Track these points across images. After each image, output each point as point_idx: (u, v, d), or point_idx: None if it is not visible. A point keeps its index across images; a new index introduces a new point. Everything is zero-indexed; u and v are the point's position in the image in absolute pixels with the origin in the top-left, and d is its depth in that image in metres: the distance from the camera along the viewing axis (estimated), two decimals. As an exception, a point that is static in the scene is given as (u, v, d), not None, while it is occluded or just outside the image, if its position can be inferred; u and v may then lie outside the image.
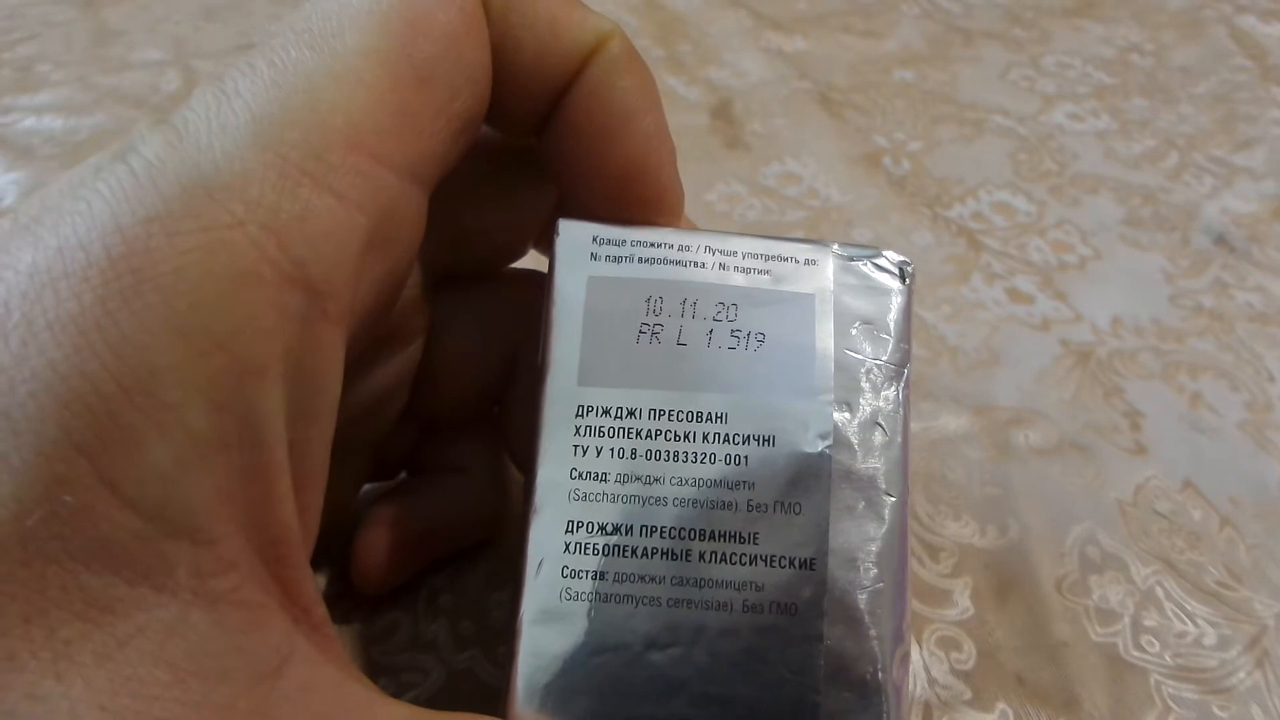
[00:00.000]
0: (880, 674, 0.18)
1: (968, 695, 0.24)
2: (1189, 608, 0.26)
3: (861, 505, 0.19)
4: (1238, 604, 0.26)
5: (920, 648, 0.25)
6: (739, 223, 0.39)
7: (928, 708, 0.24)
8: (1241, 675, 0.25)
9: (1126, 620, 0.26)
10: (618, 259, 0.20)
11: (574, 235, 0.20)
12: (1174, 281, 0.37)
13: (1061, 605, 0.26)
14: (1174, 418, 0.32)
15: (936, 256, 0.38)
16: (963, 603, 0.26)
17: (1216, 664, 0.25)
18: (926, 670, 0.25)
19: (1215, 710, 0.24)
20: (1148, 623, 0.26)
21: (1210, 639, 0.26)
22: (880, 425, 0.19)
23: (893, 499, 0.19)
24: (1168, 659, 0.25)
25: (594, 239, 0.20)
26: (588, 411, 0.19)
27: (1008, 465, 0.30)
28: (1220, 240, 0.39)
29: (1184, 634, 0.26)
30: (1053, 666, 0.25)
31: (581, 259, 0.20)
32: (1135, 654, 0.25)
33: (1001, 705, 0.24)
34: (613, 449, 0.19)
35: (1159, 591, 0.27)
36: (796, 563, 0.18)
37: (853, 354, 0.19)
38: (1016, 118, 0.46)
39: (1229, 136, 0.45)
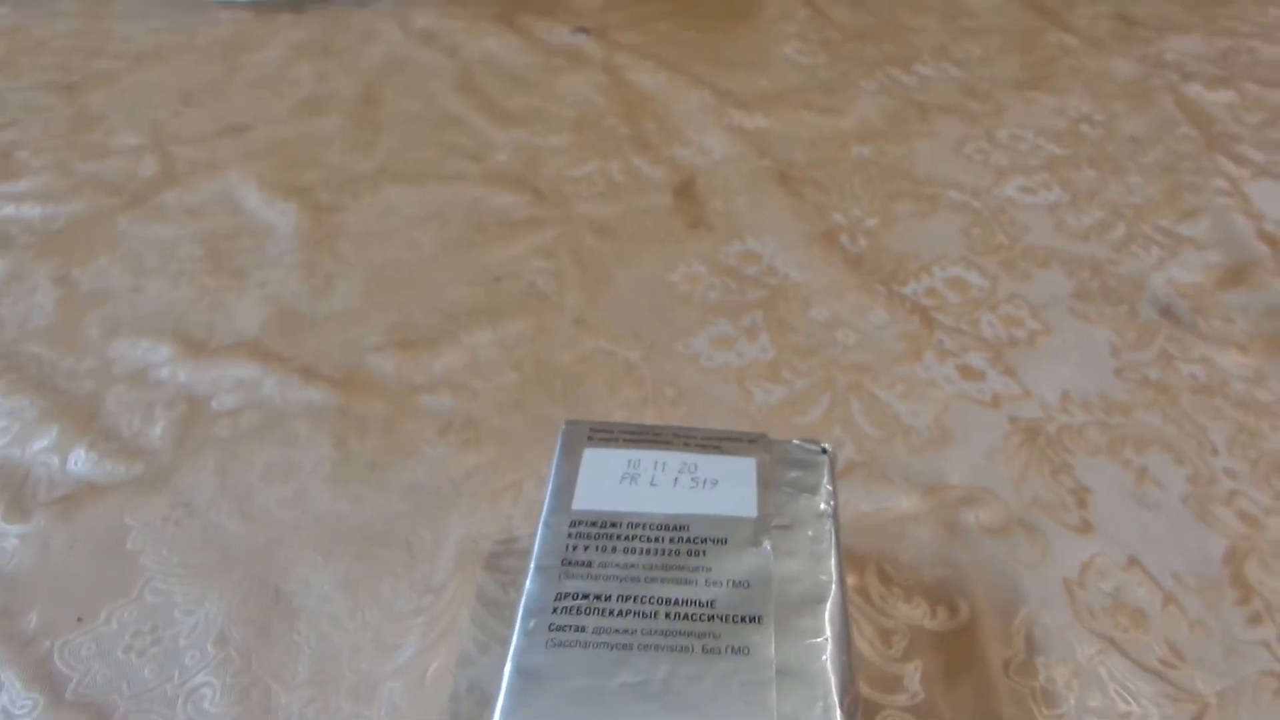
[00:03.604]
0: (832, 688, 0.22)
1: (917, 782, 0.25)
2: (1132, 687, 0.27)
3: (803, 584, 0.23)
4: (1180, 682, 0.27)
5: (871, 734, 0.26)
6: (699, 303, 0.40)
7: (877, 796, 0.24)
8: (1183, 755, 0.25)
9: (1072, 702, 0.27)
10: (607, 441, 0.27)
11: (575, 429, 0.27)
12: (1120, 355, 0.38)
13: (1009, 687, 0.27)
14: (1120, 493, 0.32)
15: (891, 334, 0.39)
16: (913, 687, 0.27)
17: (1159, 745, 0.26)
18: (877, 757, 0.25)
19: (1158, 792, 0.25)
20: (1092, 703, 0.27)
21: (1154, 718, 0.26)
22: (811, 532, 0.25)
23: (826, 578, 0.23)
24: (1112, 740, 0.26)
25: (590, 431, 0.27)
26: (579, 523, 0.25)
27: (957, 545, 0.31)
28: (1166, 311, 0.40)
29: (1128, 714, 0.26)
30: (1000, 750, 0.25)
31: (580, 442, 0.27)
32: (1080, 736, 0.26)
33: (949, 792, 0.25)
34: (598, 546, 0.24)
35: (1103, 671, 0.27)
36: (748, 619, 0.23)
37: (788, 490, 0.26)
38: (970, 191, 0.47)
39: (1174, 206, 0.47)
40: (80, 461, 0.34)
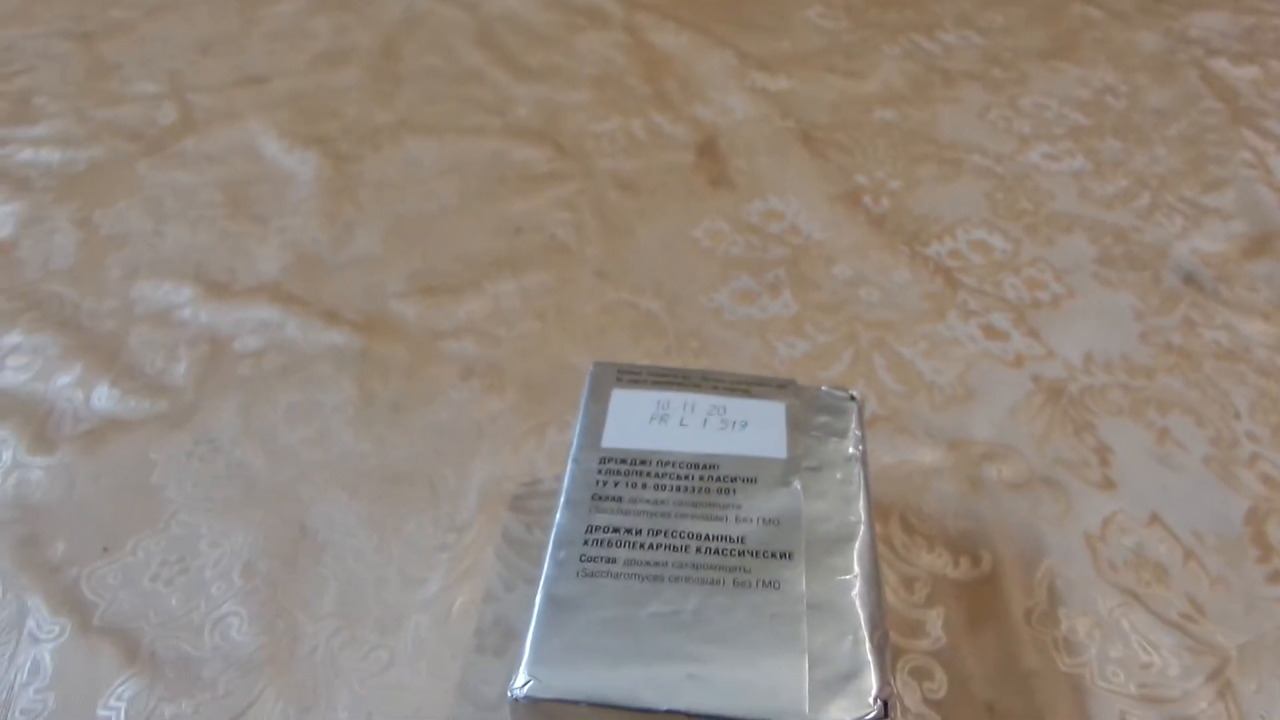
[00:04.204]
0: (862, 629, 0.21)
1: (939, 724, 0.25)
2: (1154, 639, 0.27)
3: (833, 523, 0.23)
4: (1201, 635, 0.27)
5: (894, 677, 0.26)
6: (722, 259, 0.40)
7: (900, 736, 0.25)
8: (1204, 705, 0.26)
9: (1093, 651, 0.27)
10: (635, 383, 0.27)
11: (602, 370, 0.28)
12: (1144, 319, 0.38)
13: (1031, 636, 0.27)
14: (1142, 453, 0.33)
15: (914, 294, 0.39)
16: (935, 632, 0.27)
17: (1180, 694, 0.26)
18: (900, 699, 0.25)
19: (1178, 739, 0.25)
20: (1114, 653, 0.27)
21: (1174, 669, 0.26)
22: (840, 475, 0.25)
23: (856, 519, 0.23)
24: (1133, 689, 0.26)
25: (618, 373, 0.28)
26: (608, 460, 0.25)
27: (980, 499, 0.31)
28: (1189, 279, 0.40)
29: (1149, 665, 0.26)
30: (1022, 696, 0.26)
31: (609, 383, 0.27)
32: (1102, 684, 0.26)
33: (971, 734, 0.25)
34: (628, 483, 0.24)
35: (1124, 623, 0.27)
36: (778, 554, 0.23)
37: (817, 434, 0.26)
38: (994, 157, 0.47)
39: (1199, 177, 0.47)
40: (104, 398, 0.34)
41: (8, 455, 0.32)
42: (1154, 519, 0.30)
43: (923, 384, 0.35)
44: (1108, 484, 0.31)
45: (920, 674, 0.26)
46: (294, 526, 0.29)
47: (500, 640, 0.27)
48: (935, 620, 0.27)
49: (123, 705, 0.25)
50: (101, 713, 0.25)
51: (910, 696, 0.25)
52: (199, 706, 0.25)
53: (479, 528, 0.29)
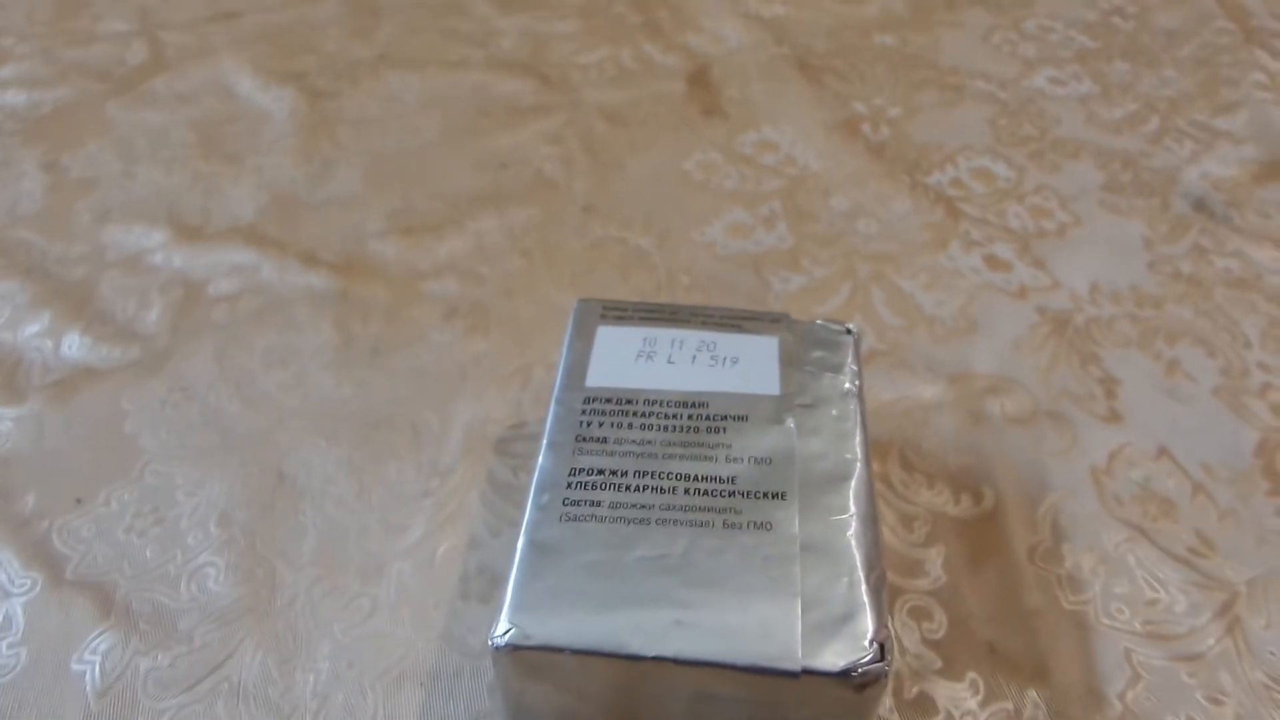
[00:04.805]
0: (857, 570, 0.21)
1: (939, 665, 0.24)
2: (1161, 575, 0.26)
3: (828, 462, 0.22)
4: (1209, 570, 0.26)
5: (891, 619, 0.25)
6: (715, 192, 0.39)
7: (899, 677, 0.24)
8: (1211, 642, 0.25)
9: (1098, 588, 0.26)
10: (621, 320, 0.26)
11: (587, 307, 0.26)
12: (1153, 247, 0.37)
13: (1034, 573, 0.26)
14: (1150, 385, 0.31)
15: (914, 224, 0.37)
16: (935, 572, 0.26)
17: (1186, 631, 0.25)
18: (898, 640, 0.25)
19: (1184, 677, 0.24)
20: (1119, 590, 0.26)
21: (1181, 605, 0.26)
22: (836, 411, 0.24)
23: (852, 457, 0.23)
24: (1138, 626, 0.25)
25: (603, 309, 0.26)
26: (593, 399, 0.24)
27: (982, 434, 0.30)
28: (1200, 205, 0.39)
29: (1155, 601, 0.26)
30: (1024, 635, 0.25)
31: (594, 320, 0.26)
32: (1106, 621, 0.25)
33: (972, 674, 0.24)
34: (613, 423, 0.23)
35: (1130, 559, 0.27)
36: (771, 495, 0.22)
37: (812, 370, 0.25)
38: (998, 82, 0.45)
39: (1210, 100, 0.45)
40: (75, 346, 0.32)
41: (-24, 406, 0.31)
42: (1162, 452, 0.29)
43: (923, 317, 0.33)
44: (1114, 417, 0.30)
45: (919, 614, 0.25)
46: (271, 474, 0.28)
47: (486, 587, 0.26)
48: (935, 559, 0.26)
49: (97, 659, 0.24)
50: (76, 667, 0.24)
51: (909, 637, 0.25)
52: (176, 659, 0.24)
53: (463, 472, 0.28)
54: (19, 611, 0.25)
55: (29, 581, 0.26)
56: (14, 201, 0.39)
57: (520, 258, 0.36)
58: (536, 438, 0.29)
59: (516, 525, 0.27)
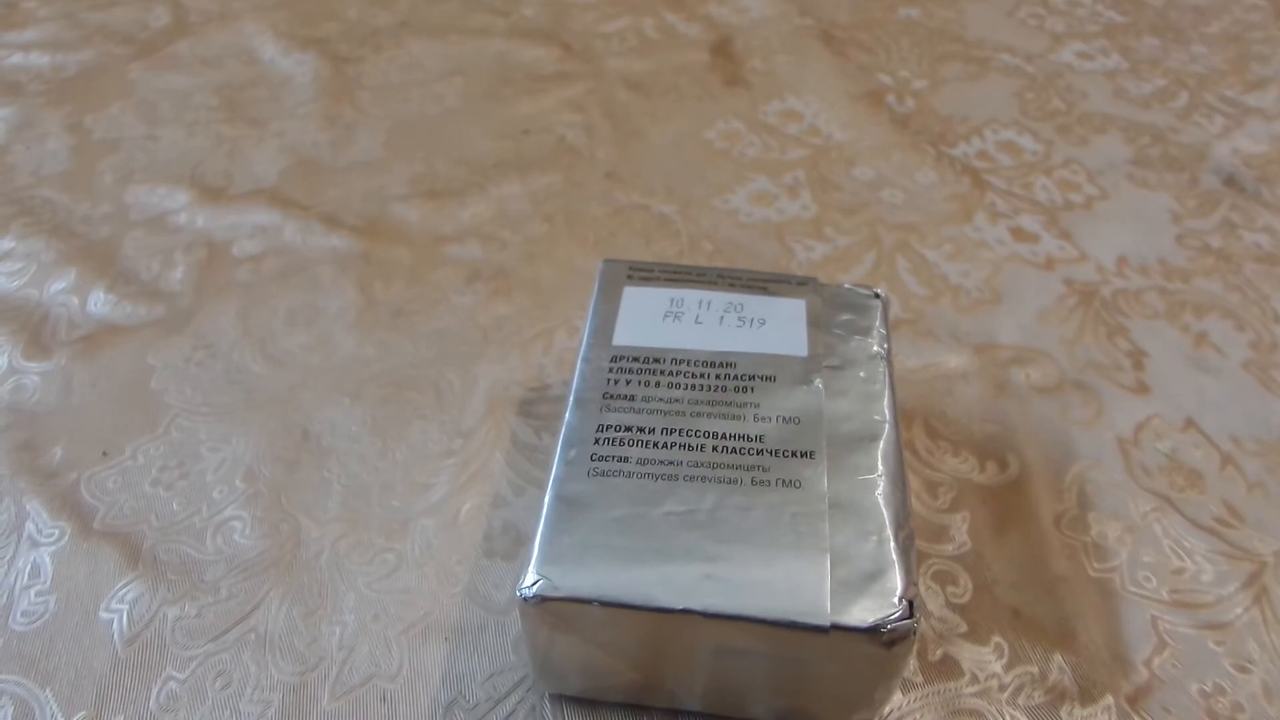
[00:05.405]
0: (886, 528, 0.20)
1: (963, 628, 0.24)
2: (1187, 544, 0.26)
3: (856, 422, 0.22)
4: (1237, 541, 0.26)
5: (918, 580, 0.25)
6: (738, 160, 0.38)
7: (923, 640, 0.24)
8: (1239, 611, 0.25)
9: (1124, 556, 0.26)
10: (648, 280, 0.26)
11: (613, 267, 0.26)
12: (1181, 222, 0.36)
13: (1060, 541, 0.26)
14: (1178, 357, 0.31)
15: (940, 195, 0.37)
16: (960, 538, 0.26)
17: (1213, 599, 0.25)
18: (923, 603, 0.25)
19: (1211, 645, 0.24)
20: (1145, 558, 0.26)
21: (1208, 575, 0.25)
22: (864, 373, 0.24)
23: (880, 418, 0.22)
24: (1164, 594, 0.25)
25: (629, 270, 0.26)
26: (620, 358, 0.24)
27: (1007, 403, 0.30)
28: (1230, 181, 0.38)
29: (1181, 570, 0.25)
30: (1049, 601, 0.25)
31: (620, 281, 0.26)
32: (1132, 589, 0.25)
33: (997, 638, 0.24)
34: (640, 381, 0.23)
35: (1157, 528, 0.26)
36: (799, 453, 0.22)
37: (839, 332, 0.25)
38: (1024, 56, 0.45)
39: (1241, 76, 0.44)
40: (100, 303, 0.33)
41: (3, 360, 0.31)
42: (1189, 423, 0.29)
43: (948, 287, 0.33)
44: (1142, 388, 0.30)
45: (944, 578, 0.25)
46: (296, 432, 0.28)
47: (510, 545, 0.26)
48: (960, 525, 0.26)
49: (125, 608, 0.24)
50: (104, 615, 0.24)
51: (933, 600, 0.25)
52: (203, 609, 0.24)
53: (486, 433, 0.28)
54: (47, 560, 0.25)
55: (57, 531, 0.26)
56: (39, 162, 0.39)
57: (542, 223, 0.36)
58: (560, 400, 0.29)
59: (541, 485, 0.27)
